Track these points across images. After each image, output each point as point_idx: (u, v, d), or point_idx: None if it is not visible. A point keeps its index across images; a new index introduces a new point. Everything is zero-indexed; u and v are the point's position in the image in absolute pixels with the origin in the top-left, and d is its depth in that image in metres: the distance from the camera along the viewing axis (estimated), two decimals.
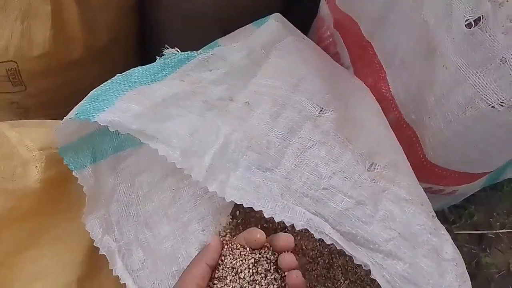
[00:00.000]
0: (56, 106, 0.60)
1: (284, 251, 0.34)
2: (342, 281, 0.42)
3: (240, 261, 0.34)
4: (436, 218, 0.35)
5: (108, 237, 0.35)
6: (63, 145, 0.36)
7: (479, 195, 0.84)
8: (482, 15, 0.33)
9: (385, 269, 0.31)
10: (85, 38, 0.54)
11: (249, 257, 0.34)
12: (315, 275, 0.42)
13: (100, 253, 0.34)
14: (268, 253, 0.35)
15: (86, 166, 0.36)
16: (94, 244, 0.35)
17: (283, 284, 0.34)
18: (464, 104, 0.37)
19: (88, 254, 0.37)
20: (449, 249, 0.33)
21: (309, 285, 0.42)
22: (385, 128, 0.41)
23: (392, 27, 0.44)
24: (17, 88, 0.57)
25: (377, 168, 0.36)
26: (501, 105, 0.35)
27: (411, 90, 0.43)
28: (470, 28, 0.34)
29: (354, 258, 0.31)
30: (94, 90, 0.36)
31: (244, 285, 0.34)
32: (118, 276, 0.38)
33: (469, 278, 0.32)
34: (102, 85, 0.36)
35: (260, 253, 0.34)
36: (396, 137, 0.43)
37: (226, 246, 0.35)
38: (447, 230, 0.75)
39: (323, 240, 0.43)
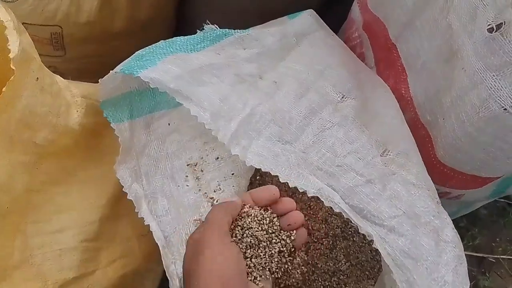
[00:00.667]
0: (91, 74, 0.63)
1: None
2: (343, 262, 0.45)
3: (255, 220, 0.36)
4: (440, 204, 0.37)
5: (137, 185, 0.38)
6: (105, 99, 0.39)
7: (484, 219, 0.86)
8: (504, 21, 0.36)
9: (387, 243, 0.34)
10: (129, 11, 0.58)
11: (262, 215, 0.36)
12: (318, 254, 0.45)
13: (128, 197, 0.37)
14: (274, 215, 0.37)
15: (123, 121, 0.39)
16: (123, 190, 0.38)
17: (290, 245, 0.36)
18: (478, 105, 0.40)
19: (110, 200, 0.40)
20: (450, 232, 0.35)
21: (311, 262, 0.44)
22: (401, 122, 0.44)
23: (418, 31, 0.47)
24: (58, 53, 0.61)
25: (389, 155, 0.39)
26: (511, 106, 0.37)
27: (429, 92, 0.46)
28: (492, 33, 0.37)
29: (359, 228, 0.33)
30: (139, 51, 0.40)
31: (258, 243, 0.35)
32: (135, 225, 0.41)
33: (465, 261, 0.35)
34: (146, 47, 0.40)
35: (270, 213, 0.37)
36: (413, 137, 0.46)
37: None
38: None
39: (328, 223, 0.46)
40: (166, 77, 0.36)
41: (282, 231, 0.36)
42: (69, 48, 0.61)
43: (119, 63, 0.40)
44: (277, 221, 0.36)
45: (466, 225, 0.84)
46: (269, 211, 0.37)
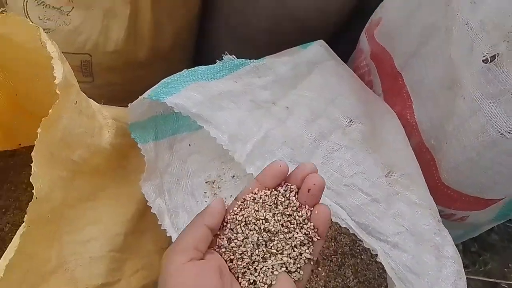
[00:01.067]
0: (115, 100, 0.68)
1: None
2: (351, 279, 0.47)
3: (258, 207, 0.32)
4: (441, 222, 0.40)
5: (160, 200, 0.42)
6: (133, 122, 0.44)
7: (495, 244, 0.87)
8: (498, 53, 0.39)
9: (391, 258, 0.37)
10: (152, 41, 0.63)
11: (268, 196, 0.32)
12: (327, 271, 0.47)
13: (152, 211, 0.41)
14: (291, 187, 0.32)
15: (149, 142, 0.44)
16: (147, 205, 0.41)
17: (305, 222, 0.32)
18: (477, 131, 0.43)
19: (134, 216, 0.44)
20: (450, 249, 0.38)
21: (318, 278, 0.47)
22: (406, 146, 0.47)
23: (422, 61, 0.50)
24: (87, 79, 0.66)
25: (394, 176, 0.42)
26: (509, 133, 0.40)
27: (433, 118, 0.49)
28: (487, 64, 0.40)
29: (364, 242, 0.36)
30: (165, 79, 0.44)
31: (269, 237, 0.31)
32: (157, 239, 0.44)
33: (464, 275, 0.37)
34: (171, 76, 0.44)
35: (284, 189, 0.32)
36: (417, 159, 0.49)
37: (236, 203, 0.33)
38: None
39: (337, 241, 0.49)
40: (188, 102, 0.40)
41: (300, 213, 0.31)
42: (97, 75, 0.66)
43: (141, 90, 0.44)
44: (294, 196, 0.32)
45: (477, 250, 0.85)
46: (282, 188, 0.32)
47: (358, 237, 0.37)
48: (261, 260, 0.31)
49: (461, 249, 0.85)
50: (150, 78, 0.68)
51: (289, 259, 0.31)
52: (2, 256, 0.29)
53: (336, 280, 0.47)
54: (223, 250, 0.32)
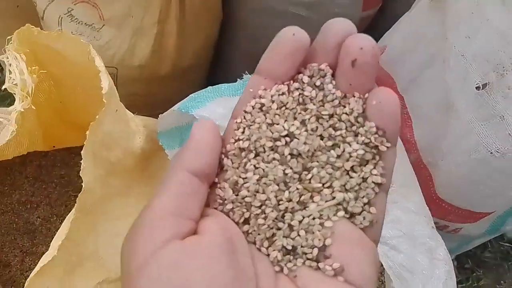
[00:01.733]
0: (136, 109, 0.74)
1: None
2: None
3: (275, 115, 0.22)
4: (434, 228, 0.45)
5: None
6: (161, 130, 0.49)
7: (488, 262, 0.91)
8: (488, 82, 0.45)
9: (389, 258, 0.41)
10: (175, 59, 0.69)
11: (278, 99, 0.23)
12: None
13: None
14: (313, 74, 0.23)
15: (175, 148, 0.49)
16: None
17: (360, 121, 0.22)
18: (469, 150, 0.48)
19: None
20: (442, 252, 0.42)
21: None
22: (404, 161, 0.52)
23: (421, 86, 0.56)
24: None
25: (393, 187, 0.47)
26: (498, 152, 0.45)
27: (430, 137, 0.55)
28: (479, 90, 0.46)
29: None
30: (192, 94, 0.49)
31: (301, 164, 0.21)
32: None
33: (454, 276, 0.42)
34: (198, 91, 0.50)
35: (297, 82, 0.23)
36: (415, 173, 0.54)
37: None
38: None
39: None
40: (213, 115, 0.46)
41: (349, 109, 0.22)
42: (120, 86, 0.71)
43: (159, 102, 0.50)
44: (330, 83, 0.22)
45: (471, 266, 0.89)
46: (305, 74, 0.23)
47: None
48: (297, 208, 0.21)
49: (456, 265, 0.89)
50: (169, 92, 0.75)
51: (346, 193, 0.21)
52: (54, 238, 0.34)
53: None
54: (230, 206, 0.22)
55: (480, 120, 0.47)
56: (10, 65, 0.39)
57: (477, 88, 0.46)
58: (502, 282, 0.89)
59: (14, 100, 0.39)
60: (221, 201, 0.23)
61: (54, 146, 0.55)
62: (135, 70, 0.69)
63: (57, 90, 0.46)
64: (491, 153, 0.46)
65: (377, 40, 0.67)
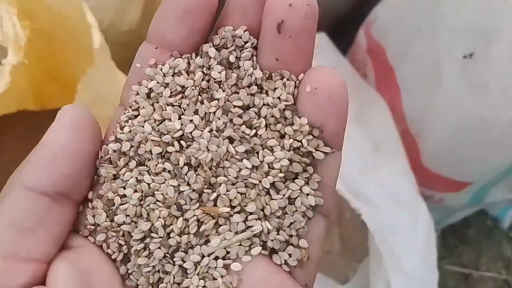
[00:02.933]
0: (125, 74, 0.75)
1: None
2: (336, 244, 0.54)
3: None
4: (417, 192, 0.48)
5: None
6: None
7: (471, 238, 0.95)
8: (475, 52, 0.47)
9: (373, 218, 0.44)
10: None
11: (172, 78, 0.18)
12: None
13: None
14: (225, 40, 0.18)
15: None
16: None
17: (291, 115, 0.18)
18: (454, 120, 0.51)
19: None
20: (423, 213, 0.45)
21: None
22: (393, 129, 0.55)
23: (412, 56, 0.58)
24: None
25: (380, 152, 0.50)
26: (481, 121, 0.48)
27: (418, 108, 0.57)
28: (465, 59, 0.48)
29: (350, 203, 0.44)
30: None
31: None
32: None
33: (434, 236, 0.45)
34: None
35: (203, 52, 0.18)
36: (401, 142, 0.57)
37: None
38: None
39: None
40: None
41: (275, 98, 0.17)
42: (110, 50, 0.72)
43: None
44: (249, 60, 0.18)
45: (454, 242, 0.94)
46: (215, 39, 0.18)
47: (346, 198, 0.44)
48: (194, 242, 0.16)
49: (440, 241, 0.93)
50: None
51: (265, 222, 0.17)
52: None
53: (323, 245, 0.54)
54: (102, 236, 0.17)
55: (465, 90, 0.49)
56: (2, 18, 0.40)
57: (464, 57, 0.48)
58: (482, 258, 0.93)
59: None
60: (91, 228, 0.17)
61: (43, 106, 0.56)
62: (125, 35, 0.69)
63: (48, 45, 0.47)
64: (475, 122, 0.49)
65: (369, 11, 0.69)
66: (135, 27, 0.68)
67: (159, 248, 0.16)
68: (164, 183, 0.17)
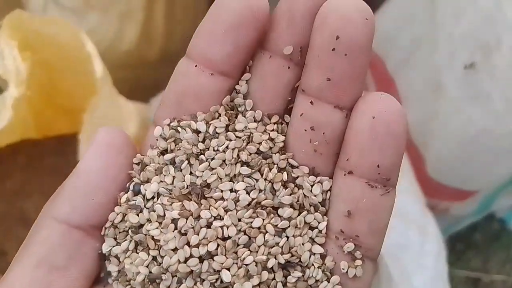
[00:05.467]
0: (126, 96, 0.75)
1: None
2: None
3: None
4: (425, 207, 0.48)
5: None
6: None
7: (478, 243, 0.95)
8: (475, 61, 0.48)
9: None
10: (163, 44, 0.70)
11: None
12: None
13: None
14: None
15: None
16: None
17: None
18: (457, 129, 0.51)
19: None
20: (432, 228, 0.46)
21: None
22: None
23: (412, 67, 0.59)
24: None
25: None
26: (485, 130, 0.48)
27: (420, 118, 0.58)
28: (466, 70, 0.48)
29: None
30: None
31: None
32: None
33: (444, 251, 0.45)
34: None
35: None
36: (406, 154, 0.57)
37: None
38: None
39: None
40: None
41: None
42: (109, 72, 0.72)
43: (149, 87, 0.51)
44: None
45: (462, 247, 0.94)
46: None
47: None
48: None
49: (448, 247, 0.93)
50: (158, 77, 0.76)
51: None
52: None
53: None
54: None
55: (468, 99, 0.49)
56: (2, 51, 0.41)
57: (464, 67, 0.49)
58: (491, 261, 0.93)
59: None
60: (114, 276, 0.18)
61: (45, 134, 0.56)
62: (123, 55, 0.70)
63: (49, 76, 0.48)
64: (478, 131, 0.49)
65: None
66: (133, 47, 0.69)
67: None
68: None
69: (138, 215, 0.17)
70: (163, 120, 0.18)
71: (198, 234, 0.17)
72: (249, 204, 0.18)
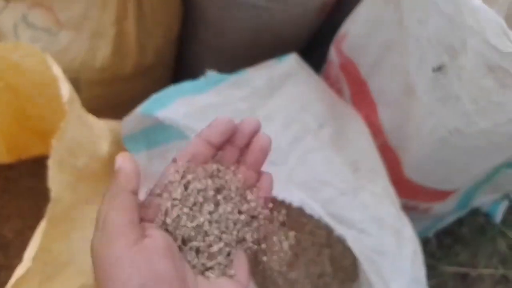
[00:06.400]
0: (103, 112, 0.75)
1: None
2: (328, 266, 0.55)
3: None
4: (401, 210, 0.48)
5: None
6: (126, 134, 0.51)
7: (466, 237, 0.96)
8: (443, 64, 0.48)
9: (358, 242, 0.45)
10: (137, 58, 0.70)
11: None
12: (306, 260, 0.55)
13: None
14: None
15: (141, 151, 0.51)
16: None
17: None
18: (430, 131, 0.52)
19: None
20: (408, 232, 0.46)
21: (298, 266, 0.55)
22: (370, 146, 0.56)
23: (383, 71, 0.59)
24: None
25: (360, 172, 0.50)
26: (456, 131, 0.49)
27: (395, 121, 0.58)
28: (435, 72, 0.49)
29: (334, 230, 0.44)
30: (154, 95, 0.51)
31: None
32: None
33: (421, 253, 0.45)
34: (160, 92, 0.51)
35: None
36: (382, 157, 0.57)
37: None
38: (433, 266, 0.88)
39: (315, 234, 0.57)
40: (177, 115, 0.48)
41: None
42: (84, 89, 0.72)
43: (126, 102, 0.51)
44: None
45: (449, 242, 0.95)
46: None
47: (330, 225, 0.45)
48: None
49: (435, 243, 0.94)
50: (134, 91, 0.76)
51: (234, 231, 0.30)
52: (28, 249, 0.36)
53: (315, 267, 0.55)
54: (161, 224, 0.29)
55: (438, 101, 0.50)
56: None
57: (433, 70, 0.49)
58: (478, 255, 0.94)
59: None
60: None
61: (20, 157, 0.56)
62: (97, 72, 0.70)
63: (17, 101, 0.48)
64: (450, 132, 0.50)
65: (339, 26, 0.70)
66: (107, 63, 0.69)
67: None
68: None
69: None
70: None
71: None
72: None
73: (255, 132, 0.32)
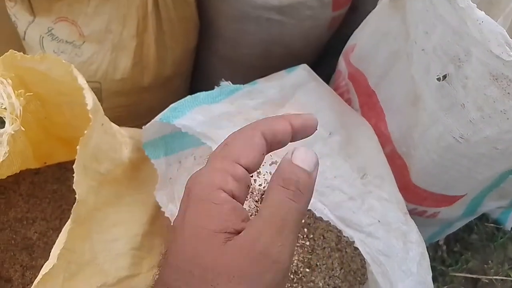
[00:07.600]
0: (123, 121, 0.77)
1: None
2: (338, 269, 0.56)
3: None
4: (408, 214, 0.49)
5: (172, 205, 0.50)
6: (146, 141, 0.53)
7: (475, 243, 0.96)
8: (448, 73, 0.49)
9: (366, 244, 0.45)
10: (155, 70, 0.73)
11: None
12: (317, 263, 0.56)
13: (165, 215, 0.50)
14: None
15: (160, 157, 0.53)
16: (161, 210, 0.50)
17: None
18: (437, 138, 0.52)
19: (149, 219, 0.53)
20: (414, 235, 0.47)
21: (309, 269, 0.55)
22: (378, 153, 0.56)
23: (391, 81, 0.60)
24: None
25: (368, 177, 0.51)
26: (461, 138, 0.50)
27: (402, 129, 0.59)
28: (440, 82, 0.50)
29: (343, 232, 0.45)
30: (173, 104, 0.53)
31: None
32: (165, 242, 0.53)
33: (427, 256, 0.46)
34: (178, 101, 0.53)
35: None
36: (390, 164, 0.58)
37: None
38: (444, 273, 0.88)
39: (325, 238, 0.57)
40: (194, 123, 0.50)
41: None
42: (105, 100, 0.75)
43: (145, 112, 0.53)
44: None
45: (459, 249, 0.94)
46: None
47: (339, 227, 0.45)
48: None
49: (445, 249, 0.94)
50: (153, 101, 0.78)
51: None
52: (53, 248, 0.38)
53: (325, 271, 0.55)
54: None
55: (444, 109, 0.51)
56: None
57: (438, 79, 0.50)
58: (489, 262, 0.94)
59: (3, 123, 0.43)
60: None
61: (45, 163, 0.58)
62: (118, 83, 0.72)
63: (44, 109, 0.50)
64: (456, 139, 0.50)
65: (348, 38, 0.71)
66: (127, 75, 0.71)
67: None
68: None
69: None
70: None
71: None
72: None
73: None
